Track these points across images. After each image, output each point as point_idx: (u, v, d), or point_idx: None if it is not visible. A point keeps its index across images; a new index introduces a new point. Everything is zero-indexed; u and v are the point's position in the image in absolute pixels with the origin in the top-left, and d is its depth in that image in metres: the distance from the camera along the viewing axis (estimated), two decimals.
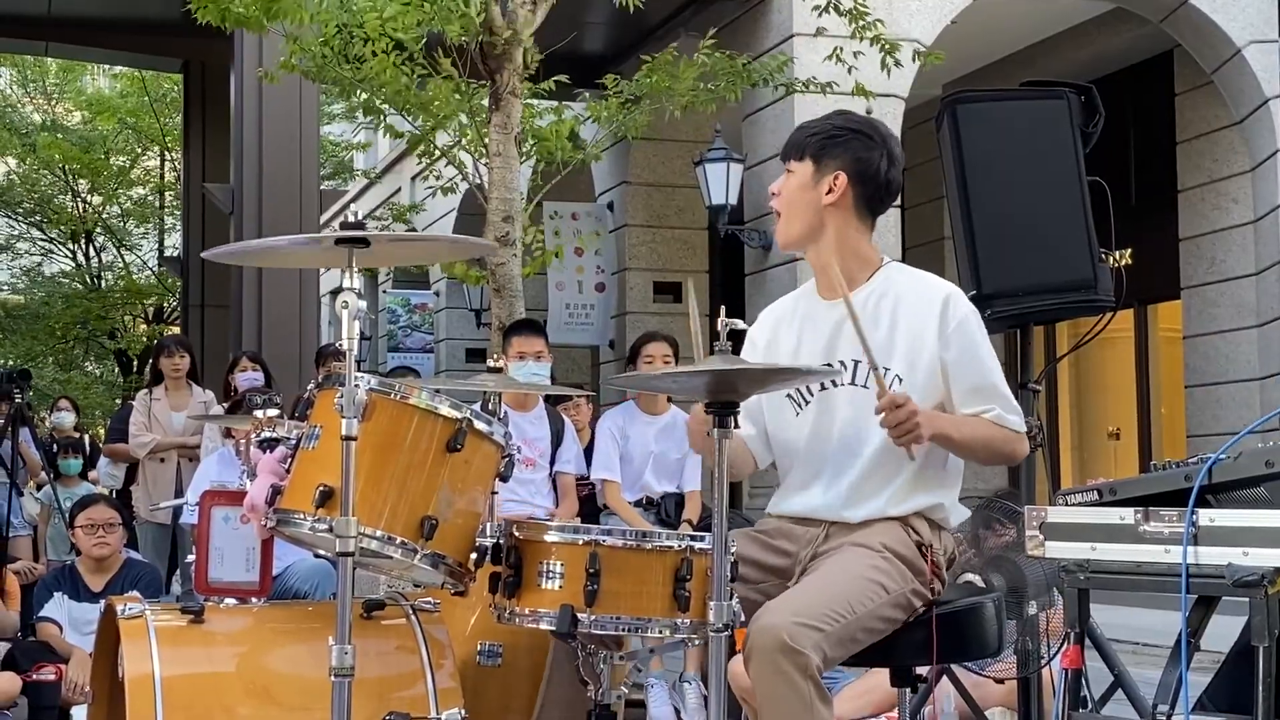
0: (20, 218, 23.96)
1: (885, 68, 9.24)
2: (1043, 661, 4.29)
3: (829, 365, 3.32)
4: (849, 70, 9.33)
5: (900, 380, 3.25)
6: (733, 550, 3.00)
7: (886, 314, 3.32)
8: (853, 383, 3.32)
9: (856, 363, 3.31)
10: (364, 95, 9.24)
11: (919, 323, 3.28)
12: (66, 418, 10.59)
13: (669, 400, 6.82)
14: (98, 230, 23.86)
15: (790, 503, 3.41)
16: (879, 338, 3.27)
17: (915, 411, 3.10)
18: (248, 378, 7.97)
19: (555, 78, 8.38)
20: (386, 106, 9.58)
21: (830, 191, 3.35)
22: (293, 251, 3.61)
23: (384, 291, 21.47)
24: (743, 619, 2.99)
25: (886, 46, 9.02)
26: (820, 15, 9.36)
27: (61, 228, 23.68)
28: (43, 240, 24.78)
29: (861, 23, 9.07)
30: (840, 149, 3.36)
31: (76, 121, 23.14)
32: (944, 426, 3.21)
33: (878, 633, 3.16)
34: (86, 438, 11.10)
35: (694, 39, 12.54)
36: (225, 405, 7.87)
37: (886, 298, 3.34)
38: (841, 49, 9.18)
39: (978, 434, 3.27)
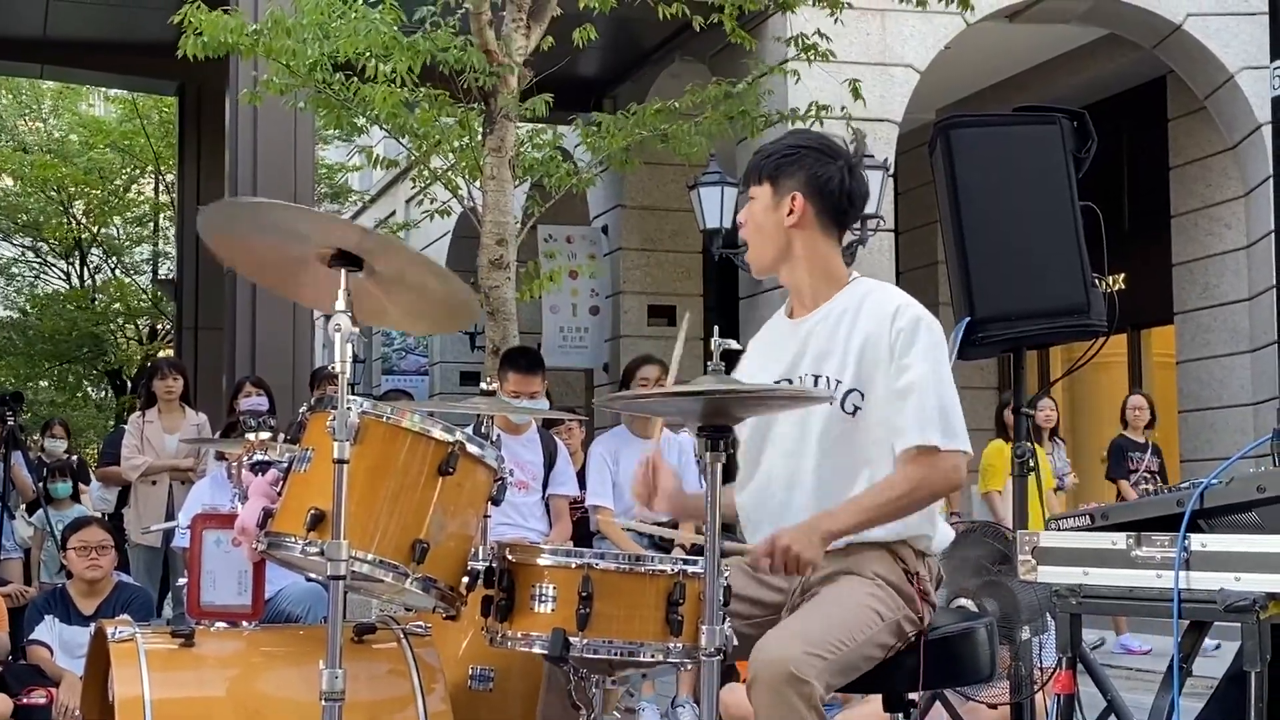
0: (11, 240, 23.92)
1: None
2: (1035, 687, 4.29)
3: (789, 382, 3.34)
4: (853, 90, 9.47)
5: (862, 396, 3.24)
6: (726, 575, 2.99)
7: (843, 330, 3.33)
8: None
9: (815, 378, 3.32)
10: (360, 120, 9.24)
11: (874, 336, 3.28)
12: (59, 445, 10.57)
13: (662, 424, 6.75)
14: (91, 251, 23.81)
15: (760, 537, 3.38)
16: (836, 354, 3.29)
17: (787, 549, 3.05)
18: (251, 403, 7.94)
19: (543, 95, 8.37)
20: (380, 129, 9.59)
21: (791, 212, 3.35)
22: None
23: None
24: (735, 643, 2.98)
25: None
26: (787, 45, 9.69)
27: (55, 244, 23.62)
28: (35, 260, 24.72)
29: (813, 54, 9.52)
30: (794, 168, 3.36)
31: (72, 143, 23.09)
32: (836, 525, 3.14)
33: (873, 660, 3.17)
34: (75, 459, 11.05)
35: (690, 64, 12.61)
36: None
37: (847, 313, 3.35)
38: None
39: (882, 498, 3.18)
